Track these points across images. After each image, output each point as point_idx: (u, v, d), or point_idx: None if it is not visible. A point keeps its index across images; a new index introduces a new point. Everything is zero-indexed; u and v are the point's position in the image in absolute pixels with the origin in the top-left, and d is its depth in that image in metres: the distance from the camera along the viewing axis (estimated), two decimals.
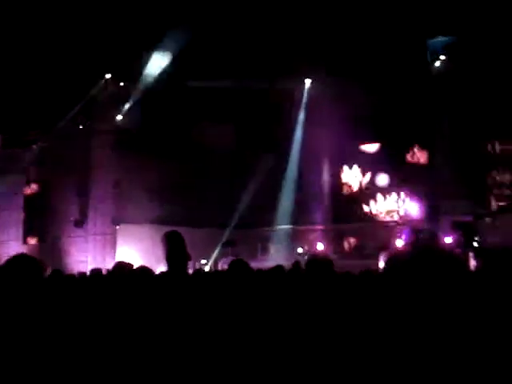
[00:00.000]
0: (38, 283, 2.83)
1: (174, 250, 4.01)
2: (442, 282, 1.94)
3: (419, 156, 19.21)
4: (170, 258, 4.01)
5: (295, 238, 19.46)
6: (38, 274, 2.95)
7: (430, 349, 1.83)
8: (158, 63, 17.99)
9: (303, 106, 19.90)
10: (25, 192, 19.86)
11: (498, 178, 17.28)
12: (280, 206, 19.38)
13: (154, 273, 4.20)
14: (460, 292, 1.92)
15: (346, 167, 20.12)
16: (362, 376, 2.19)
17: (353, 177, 20.13)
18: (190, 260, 4.12)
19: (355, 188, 20.08)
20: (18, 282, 2.84)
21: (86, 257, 18.18)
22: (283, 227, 19.61)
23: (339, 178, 20.30)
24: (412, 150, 19.15)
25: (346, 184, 20.17)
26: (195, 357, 3.21)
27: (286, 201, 19.33)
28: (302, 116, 19.91)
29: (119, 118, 18.56)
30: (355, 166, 19.97)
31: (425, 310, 1.92)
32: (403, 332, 1.91)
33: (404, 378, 1.85)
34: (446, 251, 1.86)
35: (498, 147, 17.06)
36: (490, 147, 17.10)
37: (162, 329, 3.32)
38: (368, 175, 19.80)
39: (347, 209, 19.78)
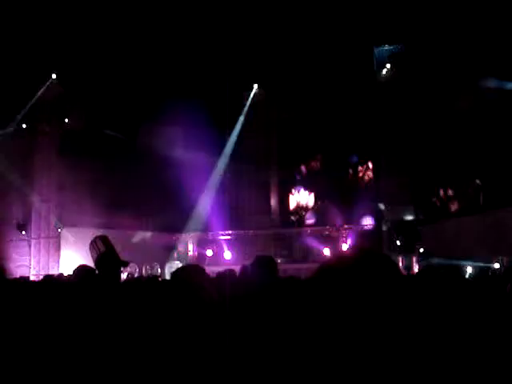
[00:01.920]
0: None
1: (105, 255, 3.95)
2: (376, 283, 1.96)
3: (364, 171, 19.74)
4: (100, 263, 3.95)
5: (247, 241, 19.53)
6: None
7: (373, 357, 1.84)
8: None
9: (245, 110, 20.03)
10: None
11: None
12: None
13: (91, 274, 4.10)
14: (396, 296, 1.94)
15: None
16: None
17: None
18: (126, 266, 4.06)
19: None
20: None
21: (28, 261, 17.73)
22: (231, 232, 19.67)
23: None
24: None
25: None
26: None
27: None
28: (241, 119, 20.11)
29: (65, 120, 18.21)
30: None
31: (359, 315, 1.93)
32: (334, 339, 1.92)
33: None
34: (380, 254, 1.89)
35: None
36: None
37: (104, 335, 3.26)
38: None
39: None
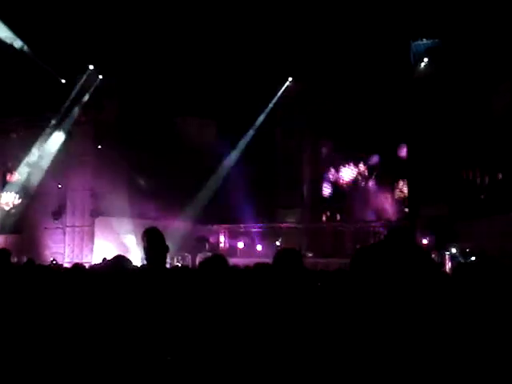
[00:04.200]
0: (5, 270, 2.81)
1: (154, 246, 4.03)
2: (414, 279, 1.94)
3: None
4: (150, 254, 4.03)
5: (275, 234, 19.54)
6: (4, 261, 2.92)
7: (403, 351, 1.83)
8: None
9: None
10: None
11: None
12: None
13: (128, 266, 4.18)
14: (434, 293, 1.92)
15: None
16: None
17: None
18: (168, 252, 4.14)
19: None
20: None
21: (63, 249, 18.06)
22: (261, 224, 19.70)
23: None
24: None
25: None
26: (178, 353, 3.20)
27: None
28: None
29: (101, 110, 18.44)
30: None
31: (396, 310, 1.91)
32: (370, 333, 1.91)
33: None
34: (419, 249, 1.87)
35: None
36: None
37: (146, 324, 3.31)
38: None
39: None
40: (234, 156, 18.78)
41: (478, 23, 15.04)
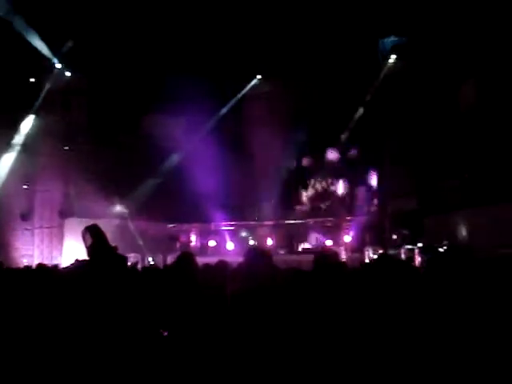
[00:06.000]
0: None
1: (97, 244, 4.00)
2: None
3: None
4: (93, 251, 4.00)
5: (246, 232, 19.62)
6: None
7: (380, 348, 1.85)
8: None
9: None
10: None
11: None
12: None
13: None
14: (406, 290, 1.95)
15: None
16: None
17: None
18: (116, 251, 4.11)
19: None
20: None
21: (32, 250, 17.82)
22: (234, 223, 19.71)
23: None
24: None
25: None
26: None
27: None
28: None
29: (69, 110, 18.23)
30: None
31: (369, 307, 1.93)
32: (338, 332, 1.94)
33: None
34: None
35: None
36: None
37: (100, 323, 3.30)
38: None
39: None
40: (203, 153, 18.66)
41: (444, 20, 15.27)
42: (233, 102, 20.04)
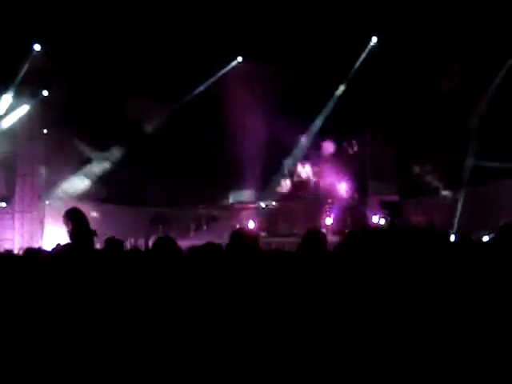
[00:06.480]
0: None
1: (79, 227, 4.00)
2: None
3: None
4: (75, 235, 4.00)
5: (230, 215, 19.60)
6: None
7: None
8: None
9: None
10: None
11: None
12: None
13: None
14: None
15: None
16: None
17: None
18: (95, 236, 4.12)
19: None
20: None
21: (12, 235, 17.68)
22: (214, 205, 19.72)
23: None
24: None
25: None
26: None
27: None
28: None
29: (47, 92, 18.01)
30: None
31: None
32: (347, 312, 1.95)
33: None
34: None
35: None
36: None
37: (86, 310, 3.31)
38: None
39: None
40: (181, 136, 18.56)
41: (427, 3, 15.35)
42: (211, 81, 19.80)
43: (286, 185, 19.96)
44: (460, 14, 14.64)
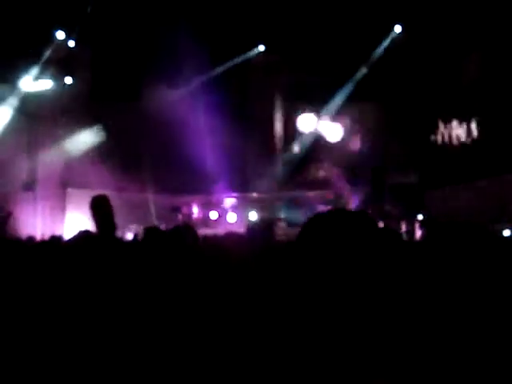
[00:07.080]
0: None
1: (104, 216, 4.02)
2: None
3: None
4: (101, 224, 4.03)
5: (249, 205, 19.58)
6: None
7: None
8: None
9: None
10: None
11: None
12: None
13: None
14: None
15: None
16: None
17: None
18: (116, 229, 4.13)
19: None
20: None
21: (34, 221, 17.88)
22: (235, 194, 19.72)
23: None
24: None
25: None
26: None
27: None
28: None
29: (69, 80, 18.13)
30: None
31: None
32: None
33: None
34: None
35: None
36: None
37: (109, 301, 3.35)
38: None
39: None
40: (206, 124, 18.52)
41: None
42: (230, 65, 19.63)
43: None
44: (481, 6, 14.42)
